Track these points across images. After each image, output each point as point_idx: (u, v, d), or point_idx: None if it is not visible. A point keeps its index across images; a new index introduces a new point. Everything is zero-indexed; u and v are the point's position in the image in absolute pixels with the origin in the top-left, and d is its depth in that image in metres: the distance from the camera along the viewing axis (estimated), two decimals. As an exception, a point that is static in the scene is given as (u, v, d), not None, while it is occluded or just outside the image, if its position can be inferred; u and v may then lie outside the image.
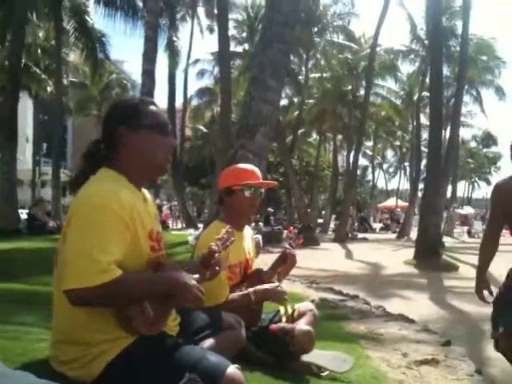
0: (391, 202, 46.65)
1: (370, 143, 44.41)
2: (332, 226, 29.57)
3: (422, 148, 30.15)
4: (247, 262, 2.79)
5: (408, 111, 32.95)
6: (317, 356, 2.77)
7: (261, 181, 2.78)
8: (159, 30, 16.36)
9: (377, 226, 34.61)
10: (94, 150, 1.84)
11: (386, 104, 32.80)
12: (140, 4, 17.64)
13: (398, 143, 48.04)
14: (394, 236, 24.89)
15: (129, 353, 1.64)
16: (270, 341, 2.66)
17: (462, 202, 56.44)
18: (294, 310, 2.93)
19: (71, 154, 50.11)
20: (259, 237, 9.69)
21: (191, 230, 16.19)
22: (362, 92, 27.11)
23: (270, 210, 22.18)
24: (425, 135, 31.37)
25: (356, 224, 28.36)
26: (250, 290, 2.58)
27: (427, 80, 22.18)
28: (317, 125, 32.65)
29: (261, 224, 20.01)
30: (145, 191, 1.90)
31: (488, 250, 2.80)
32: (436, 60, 13.99)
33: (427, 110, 24.88)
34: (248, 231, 2.91)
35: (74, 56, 25.20)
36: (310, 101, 32.05)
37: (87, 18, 18.00)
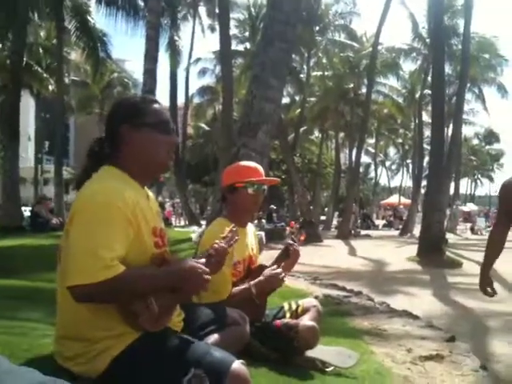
0: (394, 199, 46.64)
1: (372, 141, 44.40)
2: (335, 222, 29.57)
3: (425, 145, 30.13)
4: (250, 258, 2.79)
5: (410, 109, 32.91)
6: (321, 351, 2.77)
7: (263, 178, 2.77)
8: (161, 29, 16.35)
9: (379, 222, 34.57)
10: (97, 148, 1.84)
11: (389, 102, 32.78)
12: (141, 3, 17.64)
13: (400, 141, 48.03)
14: (396, 233, 24.86)
15: (133, 349, 1.64)
16: (274, 336, 2.66)
17: (465, 199, 56.33)
18: (298, 306, 2.93)
19: (73, 152, 50.27)
20: (262, 234, 9.67)
21: (194, 227, 16.20)
22: (364, 90, 27.07)
23: (273, 207, 22.13)
24: (427, 133, 31.29)
25: (359, 221, 28.34)
26: (251, 282, 2.58)
27: (429, 78, 22.10)
28: (319, 122, 32.66)
29: (263, 221, 20.01)
30: (146, 189, 1.90)
31: (495, 246, 2.79)
32: (438, 58, 13.96)
33: (429, 108, 24.82)
34: (251, 228, 2.92)
35: (75, 55, 25.20)
36: (312, 99, 32.03)
37: (89, 17, 17.99)
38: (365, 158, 50.01)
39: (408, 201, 36.28)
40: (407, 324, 4.56)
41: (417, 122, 30.43)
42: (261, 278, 2.59)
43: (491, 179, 66.94)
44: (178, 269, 1.68)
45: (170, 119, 1.90)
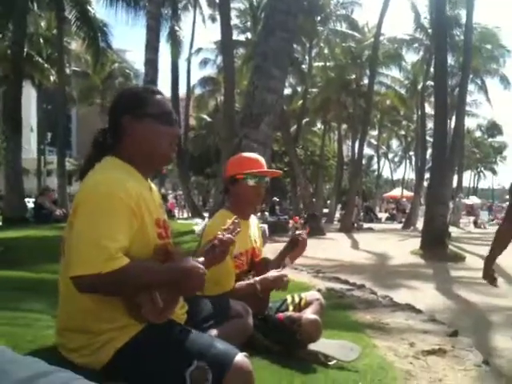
0: (397, 191, 46.56)
1: (374, 132, 44.26)
2: (337, 215, 29.54)
3: (427, 137, 30.03)
4: (253, 250, 2.79)
5: (412, 100, 32.79)
6: (324, 345, 2.77)
7: (264, 169, 2.75)
8: (161, 19, 16.32)
9: (382, 215, 34.54)
10: (101, 139, 1.84)
11: (391, 93, 32.65)
12: (141, -6, 17.57)
13: (403, 132, 47.87)
14: (399, 226, 24.83)
15: (137, 340, 1.65)
16: (277, 329, 2.66)
17: (468, 192, 56.22)
18: (300, 299, 2.93)
19: (76, 143, 50.28)
20: (265, 226, 9.68)
21: (197, 219, 16.21)
22: (366, 81, 26.97)
23: (276, 199, 22.12)
24: (430, 124, 31.21)
25: (361, 214, 28.29)
26: (256, 279, 2.57)
27: (432, 69, 22.03)
28: (321, 114, 32.53)
29: (266, 213, 20.00)
30: (149, 181, 1.89)
31: (502, 241, 2.77)
32: (440, 49, 13.86)
33: (432, 99, 24.75)
34: (254, 220, 2.90)
35: (75, 45, 25.13)
36: (314, 90, 31.89)
37: (89, 7, 17.95)
38: (367, 150, 49.89)
39: (411, 194, 36.20)
40: (410, 318, 4.55)
41: (419, 113, 30.32)
42: (267, 276, 2.57)
43: (494, 172, 66.80)
44: (181, 266, 1.67)
45: (173, 110, 1.88)
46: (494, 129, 58.42)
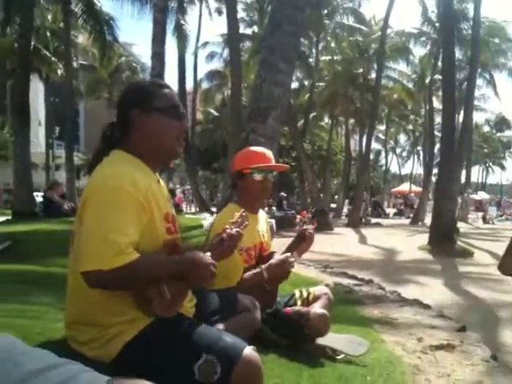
0: (405, 186, 46.37)
1: (382, 127, 44.11)
2: (345, 210, 29.47)
3: (436, 132, 29.85)
4: (262, 245, 2.78)
5: (420, 94, 32.55)
6: (332, 339, 2.77)
7: (271, 164, 2.73)
8: (167, 12, 16.25)
9: (390, 211, 34.43)
10: (109, 133, 1.84)
11: (399, 87, 32.44)
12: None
13: (410, 127, 47.64)
14: (407, 221, 24.72)
15: (146, 334, 1.65)
16: (285, 323, 2.66)
17: (477, 187, 55.93)
18: (309, 294, 2.93)
19: (84, 137, 50.42)
20: (273, 221, 9.67)
21: (206, 214, 16.20)
22: (374, 75, 26.82)
23: (283, 194, 22.10)
24: (438, 119, 31.06)
25: (369, 209, 28.21)
26: (262, 266, 2.56)
27: (439, 63, 21.86)
28: (328, 108, 32.42)
29: (274, 208, 19.99)
30: (157, 175, 1.89)
31: None
32: (448, 43, 13.75)
33: (440, 94, 24.59)
34: (262, 215, 2.89)
35: (82, 38, 25.16)
36: (321, 84, 31.77)
37: (95, 0, 17.90)
38: (375, 145, 49.88)
39: (419, 189, 36.09)
40: (418, 313, 4.54)
41: (427, 107, 30.12)
42: (272, 261, 2.56)
43: (503, 167, 66.41)
44: (189, 257, 1.68)
45: (181, 104, 1.88)
46: (502, 123, 57.98)
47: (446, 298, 6.46)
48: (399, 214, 31.40)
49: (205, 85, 35.35)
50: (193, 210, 27.55)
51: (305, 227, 2.81)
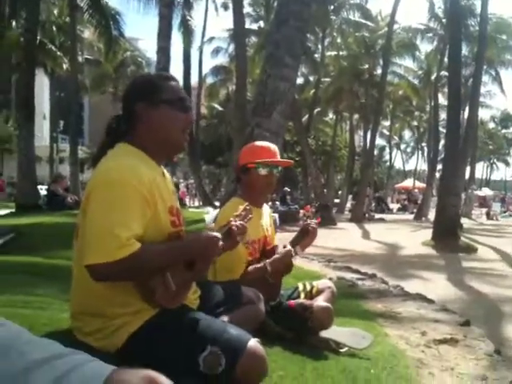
0: (408, 182, 46.29)
1: (387, 123, 43.95)
2: (348, 205, 29.44)
3: (440, 128, 29.76)
4: (265, 239, 2.78)
5: (426, 91, 32.46)
6: (335, 332, 2.77)
7: (275, 159, 2.72)
8: (173, 7, 16.22)
9: (394, 206, 34.37)
10: (114, 125, 1.83)
11: (404, 83, 32.35)
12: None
13: (415, 123, 47.48)
14: (411, 217, 24.68)
15: (151, 325, 1.66)
16: (289, 316, 2.67)
17: (481, 183, 55.77)
18: (312, 287, 2.93)
19: (88, 131, 50.47)
20: (276, 216, 9.66)
21: (209, 208, 16.22)
22: (379, 71, 26.72)
23: (287, 189, 22.05)
24: (443, 115, 30.92)
25: (373, 204, 28.18)
26: (266, 261, 2.56)
27: (446, 59, 21.75)
28: (333, 104, 32.34)
29: (277, 203, 19.98)
30: (162, 168, 1.89)
31: None
32: (455, 39, 13.68)
33: (445, 90, 24.48)
34: (266, 209, 2.89)
35: (88, 33, 25.16)
36: (327, 79, 31.68)
37: (101, -5, 17.91)
38: (379, 141, 49.59)
39: (423, 185, 35.98)
40: (421, 307, 4.53)
41: (432, 104, 30.01)
42: (275, 255, 2.57)
43: (507, 164, 66.14)
44: (194, 238, 1.69)
45: (187, 96, 1.87)
46: (507, 120, 57.80)
47: (449, 292, 6.45)
48: (403, 209, 31.32)
49: (210, 80, 35.29)
50: (196, 203, 27.61)
51: (308, 221, 2.80)
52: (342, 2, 27.75)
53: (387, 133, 47.32)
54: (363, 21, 28.24)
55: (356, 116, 34.71)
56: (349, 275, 6.23)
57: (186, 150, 21.87)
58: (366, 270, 6.93)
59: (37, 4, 14.44)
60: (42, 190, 15.06)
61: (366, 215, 22.00)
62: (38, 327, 1.98)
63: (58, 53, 23.50)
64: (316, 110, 31.52)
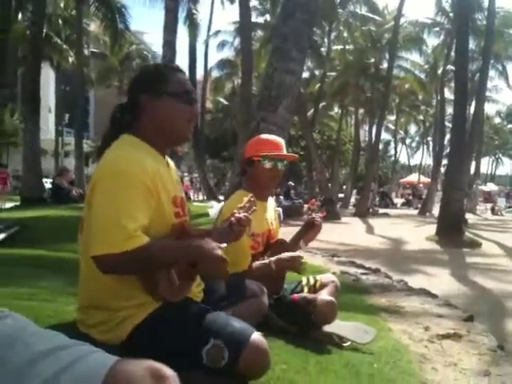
0: (413, 177, 46.15)
1: (392, 117, 43.80)
2: (353, 200, 29.42)
3: (446, 123, 29.61)
4: (270, 232, 2.78)
5: (432, 85, 32.28)
6: (338, 326, 2.77)
7: (281, 153, 2.70)
8: (179, 1, 16.21)
9: (398, 201, 34.29)
10: (119, 115, 1.83)
11: (410, 77, 32.20)
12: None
13: (421, 118, 47.23)
14: (415, 212, 24.62)
15: (155, 318, 1.66)
16: (292, 310, 2.66)
17: (486, 178, 55.51)
18: (316, 281, 2.92)
19: (93, 125, 50.50)
20: (280, 210, 9.65)
21: (213, 202, 16.25)
22: (386, 65, 26.60)
23: (291, 183, 22.05)
24: (449, 110, 30.75)
25: (377, 199, 28.13)
26: (272, 259, 2.56)
27: (452, 53, 21.64)
28: (338, 98, 32.25)
29: (281, 197, 19.98)
30: (167, 158, 1.88)
31: None
32: (462, 33, 13.59)
33: (452, 84, 24.37)
34: (271, 202, 2.89)
35: (94, 26, 25.15)
36: (332, 73, 31.56)
37: (106, -12, 17.90)
38: (385, 135, 49.33)
39: (428, 179, 35.84)
40: (425, 302, 4.53)
41: (439, 98, 29.87)
42: (282, 256, 2.55)
43: (513, 159, 65.79)
44: (196, 245, 1.63)
45: (193, 89, 1.87)
46: (513, 115, 57.38)
47: (453, 287, 6.45)
48: (407, 204, 31.24)
49: (215, 73, 35.19)
50: (200, 197, 27.65)
51: (313, 215, 2.80)
52: (349, -5, 27.63)
53: (392, 127, 47.13)
54: (370, 15, 28.11)
55: (361, 110, 34.59)
56: (353, 270, 6.23)
57: (191, 144, 21.90)
58: (369, 264, 6.93)
59: (43, -3, 14.46)
60: (47, 184, 15.11)
61: (370, 210, 21.97)
62: (44, 319, 1.99)
63: (64, 46, 23.50)
64: (321, 104, 31.42)
